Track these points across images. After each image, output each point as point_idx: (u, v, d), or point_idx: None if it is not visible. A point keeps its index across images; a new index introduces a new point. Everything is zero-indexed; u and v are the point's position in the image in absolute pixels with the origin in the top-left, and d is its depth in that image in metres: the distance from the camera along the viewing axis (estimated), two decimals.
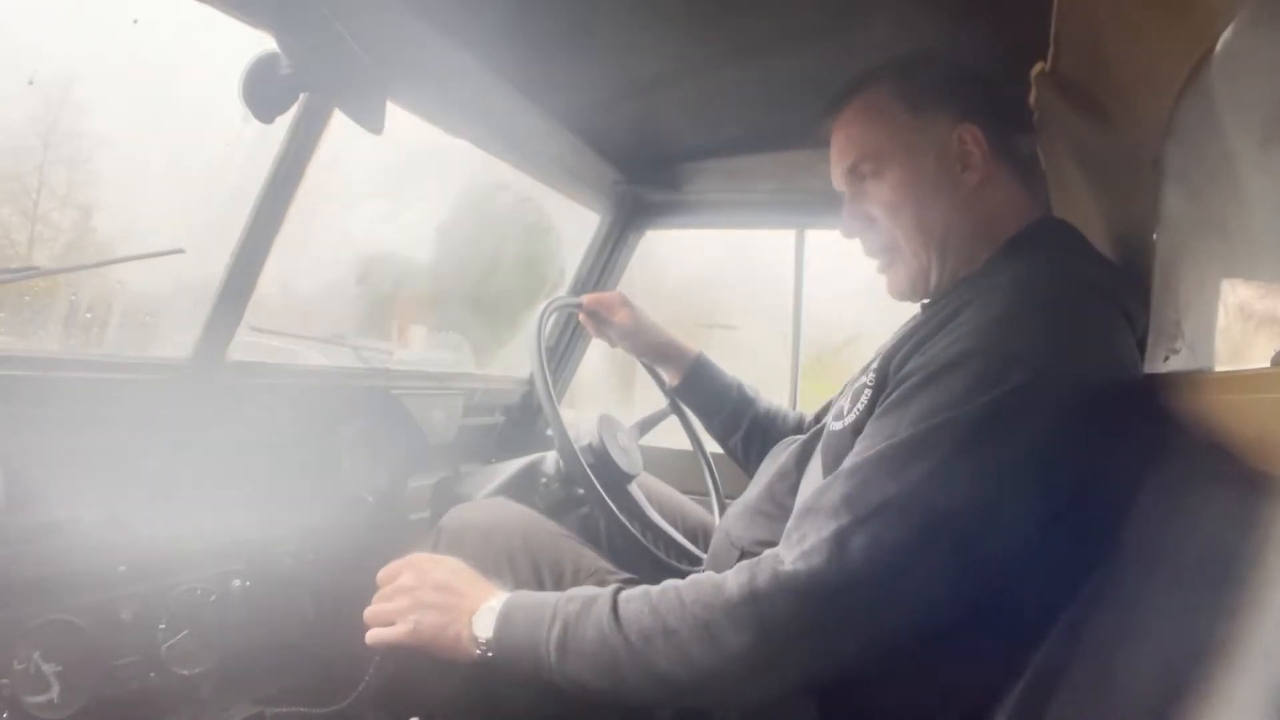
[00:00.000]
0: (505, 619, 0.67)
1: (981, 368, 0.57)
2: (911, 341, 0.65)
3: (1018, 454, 0.56)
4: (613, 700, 0.63)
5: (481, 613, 0.68)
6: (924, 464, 0.56)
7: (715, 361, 1.18)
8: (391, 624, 0.72)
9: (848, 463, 0.61)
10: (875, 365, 0.69)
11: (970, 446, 0.55)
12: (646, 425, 1.22)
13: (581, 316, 1.19)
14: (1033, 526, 0.56)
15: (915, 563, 0.55)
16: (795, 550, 0.57)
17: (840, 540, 0.55)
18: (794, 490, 0.77)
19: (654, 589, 0.63)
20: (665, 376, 1.21)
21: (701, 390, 1.16)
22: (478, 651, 0.67)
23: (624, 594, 0.64)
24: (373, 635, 0.74)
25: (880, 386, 0.66)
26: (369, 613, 0.74)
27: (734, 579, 0.58)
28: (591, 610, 0.63)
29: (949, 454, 0.55)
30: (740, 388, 1.16)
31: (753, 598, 0.56)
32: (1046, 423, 0.56)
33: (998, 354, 0.57)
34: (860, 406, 0.68)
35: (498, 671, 0.67)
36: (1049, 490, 0.57)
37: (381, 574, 0.78)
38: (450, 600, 0.70)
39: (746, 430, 1.13)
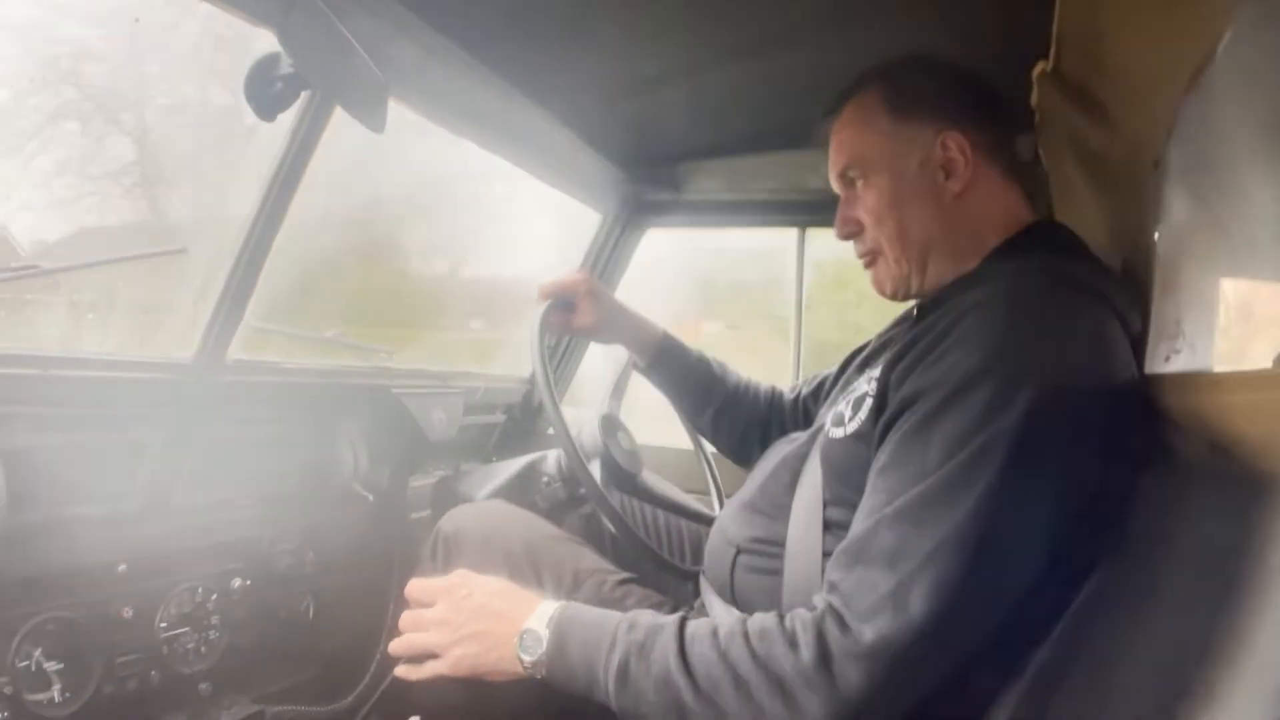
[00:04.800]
0: (560, 638, 0.65)
1: (998, 384, 0.57)
2: (913, 353, 0.64)
3: (1049, 465, 0.56)
4: None
5: (526, 634, 0.66)
6: (968, 498, 0.55)
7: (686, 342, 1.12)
8: (424, 656, 0.70)
9: (880, 498, 0.60)
10: (876, 374, 0.68)
11: (1007, 469, 0.55)
12: (619, 389, 1.17)
13: (553, 319, 1.02)
14: (1057, 532, 0.57)
15: (975, 596, 0.56)
16: (857, 608, 0.56)
17: (901, 595, 0.55)
18: (789, 489, 0.77)
19: (722, 630, 0.61)
20: (636, 359, 1.14)
21: (669, 369, 1.11)
22: (525, 672, 0.66)
23: (689, 631, 0.62)
24: (405, 671, 0.71)
25: (881, 396, 0.66)
26: (398, 645, 0.72)
27: (804, 639, 0.57)
28: (656, 643, 0.62)
29: (990, 482, 0.55)
30: (707, 364, 1.12)
31: (825, 662, 0.56)
32: (1066, 429, 0.57)
33: (1009, 368, 0.57)
34: (862, 415, 0.68)
35: (544, 689, 0.66)
36: (1071, 494, 0.57)
37: (412, 590, 0.75)
38: (490, 627, 0.68)
39: (718, 407, 1.10)
